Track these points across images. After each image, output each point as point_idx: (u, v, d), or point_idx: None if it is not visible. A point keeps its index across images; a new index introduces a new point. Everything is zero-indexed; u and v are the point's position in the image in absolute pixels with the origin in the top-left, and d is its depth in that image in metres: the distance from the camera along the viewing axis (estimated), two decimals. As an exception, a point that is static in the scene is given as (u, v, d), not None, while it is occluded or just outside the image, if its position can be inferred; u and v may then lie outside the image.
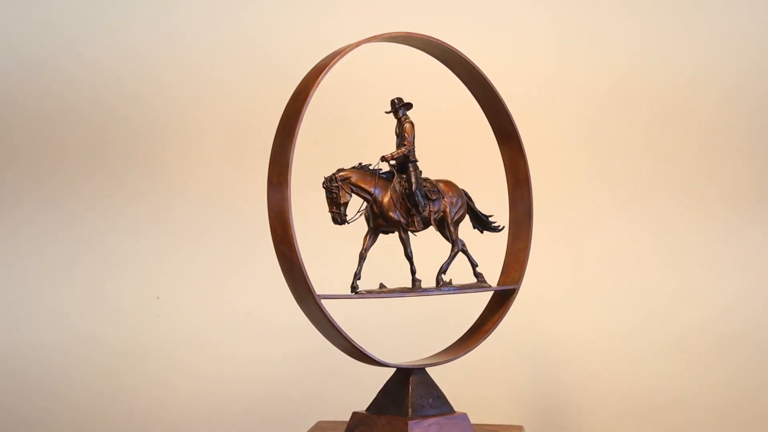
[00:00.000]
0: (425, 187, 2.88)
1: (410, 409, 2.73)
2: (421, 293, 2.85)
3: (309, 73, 2.64)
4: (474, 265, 3.05)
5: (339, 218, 2.71)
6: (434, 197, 2.89)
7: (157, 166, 4.25)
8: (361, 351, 2.66)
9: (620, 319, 4.01)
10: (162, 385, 3.96)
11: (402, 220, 2.81)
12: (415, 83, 3.80)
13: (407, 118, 2.89)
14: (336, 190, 2.69)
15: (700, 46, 4.14)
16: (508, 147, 3.18)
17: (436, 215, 2.91)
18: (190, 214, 4.18)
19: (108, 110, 4.25)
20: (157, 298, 4.09)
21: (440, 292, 2.90)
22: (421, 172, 2.90)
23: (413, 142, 2.87)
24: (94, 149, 4.23)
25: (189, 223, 4.17)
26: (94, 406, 3.89)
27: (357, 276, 2.74)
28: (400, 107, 2.89)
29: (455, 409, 2.87)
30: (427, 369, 2.88)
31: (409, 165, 2.86)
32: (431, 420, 2.74)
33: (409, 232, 2.86)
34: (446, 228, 2.95)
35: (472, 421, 2.89)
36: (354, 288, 2.72)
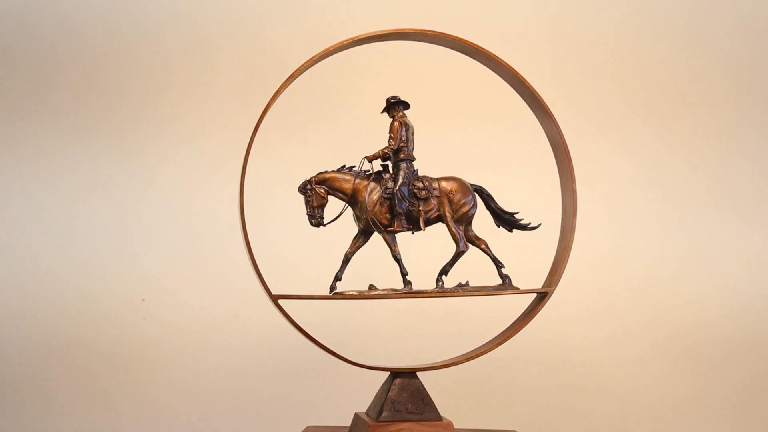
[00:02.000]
0: (414, 186, 2.79)
1: (384, 413, 2.68)
2: (407, 295, 2.76)
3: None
4: (499, 266, 2.84)
5: (314, 220, 2.78)
6: (423, 196, 2.78)
7: (144, 159, 4.16)
8: (332, 352, 2.70)
9: (617, 324, 3.92)
10: (147, 389, 3.82)
11: (383, 221, 2.77)
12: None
13: (402, 116, 2.84)
14: (310, 192, 2.77)
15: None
16: (556, 149, 2.93)
17: (429, 214, 2.79)
18: (175, 214, 4.09)
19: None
20: (142, 300, 3.99)
21: (427, 295, 2.77)
22: (415, 170, 2.82)
23: (405, 141, 2.81)
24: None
25: (175, 223, 4.10)
26: (77, 410, 3.74)
27: (337, 277, 2.78)
28: (391, 106, 2.85)
29: (448, 415, 2.73)
30: (437, 373, 2.78)
31: (400, 164, 2.81)
32: (403, 425, 2.65)
33: (396, 233, 2.80)
34: (446, 227, 2.81)
35: (467, 425, 2.72)
36: (332, 289, 2.76)
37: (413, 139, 2.85)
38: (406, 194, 2.77)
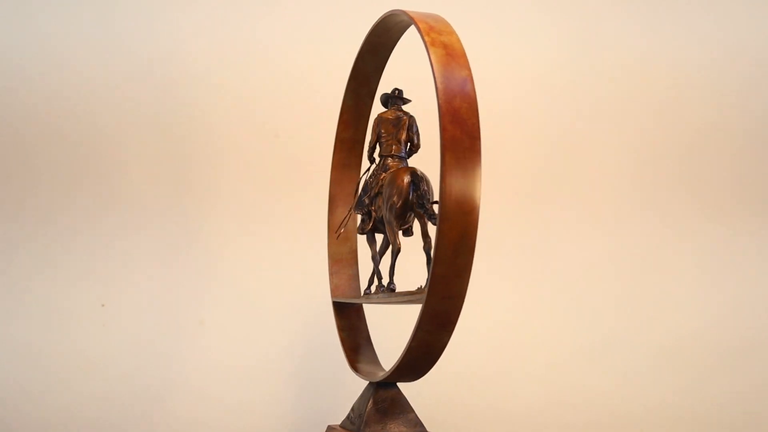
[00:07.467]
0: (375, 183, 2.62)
1: (343, 419, 2.70)
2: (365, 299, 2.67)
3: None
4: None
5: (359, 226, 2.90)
6: (372, 193, 2.59)
7: (106, 164, 3.87)
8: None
9: (603, 331, 3.85)
10: (107, 400, 3.50)
11: (358, 222, 2.72)
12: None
13: (395, 111, 2.67)
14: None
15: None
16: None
17: (379, 212, 2.57)
18: (136, 213, 3.82)
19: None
20: (102, 305, 3.71)
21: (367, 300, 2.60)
22: (386, 167, 2.61)
23: (389, 137, 2.64)
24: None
25: (137, 223, 3.83)
26: (33, 423, 3.42)
27: (371, 281, 2.80)
28: (386, 101, 2.71)
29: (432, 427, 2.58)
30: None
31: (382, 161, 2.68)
32: (338, 432, 2.63)
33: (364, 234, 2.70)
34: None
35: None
36: (365, 292, 2.82)
37: (397, 132, 2.63)
38: (362, 194, 2.65)
